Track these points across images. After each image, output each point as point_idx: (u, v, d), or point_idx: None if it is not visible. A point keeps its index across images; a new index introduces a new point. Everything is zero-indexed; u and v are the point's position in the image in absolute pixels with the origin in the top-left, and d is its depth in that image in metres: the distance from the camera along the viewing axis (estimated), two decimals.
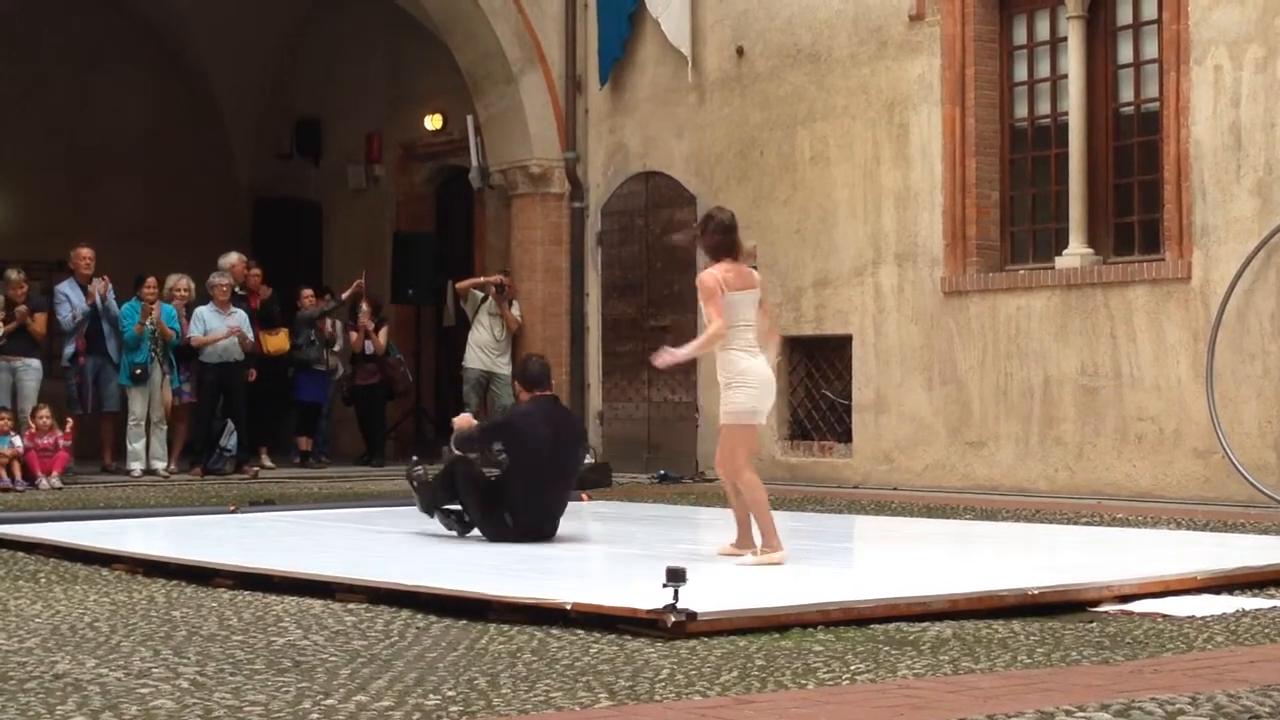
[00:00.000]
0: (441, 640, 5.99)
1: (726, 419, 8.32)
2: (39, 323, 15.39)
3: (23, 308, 15.16)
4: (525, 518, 9.21)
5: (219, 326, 16.07)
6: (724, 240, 8.35)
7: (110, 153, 20.91)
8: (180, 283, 16.34)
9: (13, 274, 15.50)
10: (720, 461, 8.45)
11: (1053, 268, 13.07)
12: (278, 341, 16.93)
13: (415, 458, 10.72)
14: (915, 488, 13.63)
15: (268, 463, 16.81)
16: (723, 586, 7.08)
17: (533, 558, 8.62)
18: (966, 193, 13.59)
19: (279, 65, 21.53)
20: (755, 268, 9.28)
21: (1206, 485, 12.03)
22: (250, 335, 16.31)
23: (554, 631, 6.15)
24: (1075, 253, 12.94)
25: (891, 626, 6.28)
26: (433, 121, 19.47)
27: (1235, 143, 11.92)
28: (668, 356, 8.54)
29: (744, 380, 8.25)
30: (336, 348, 17.83)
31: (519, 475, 9.09)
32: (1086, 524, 10.73)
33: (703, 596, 6.16)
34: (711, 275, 8.28)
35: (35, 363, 15.37)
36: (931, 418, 13.80)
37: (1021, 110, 13.70)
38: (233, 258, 16.81)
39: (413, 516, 10.33)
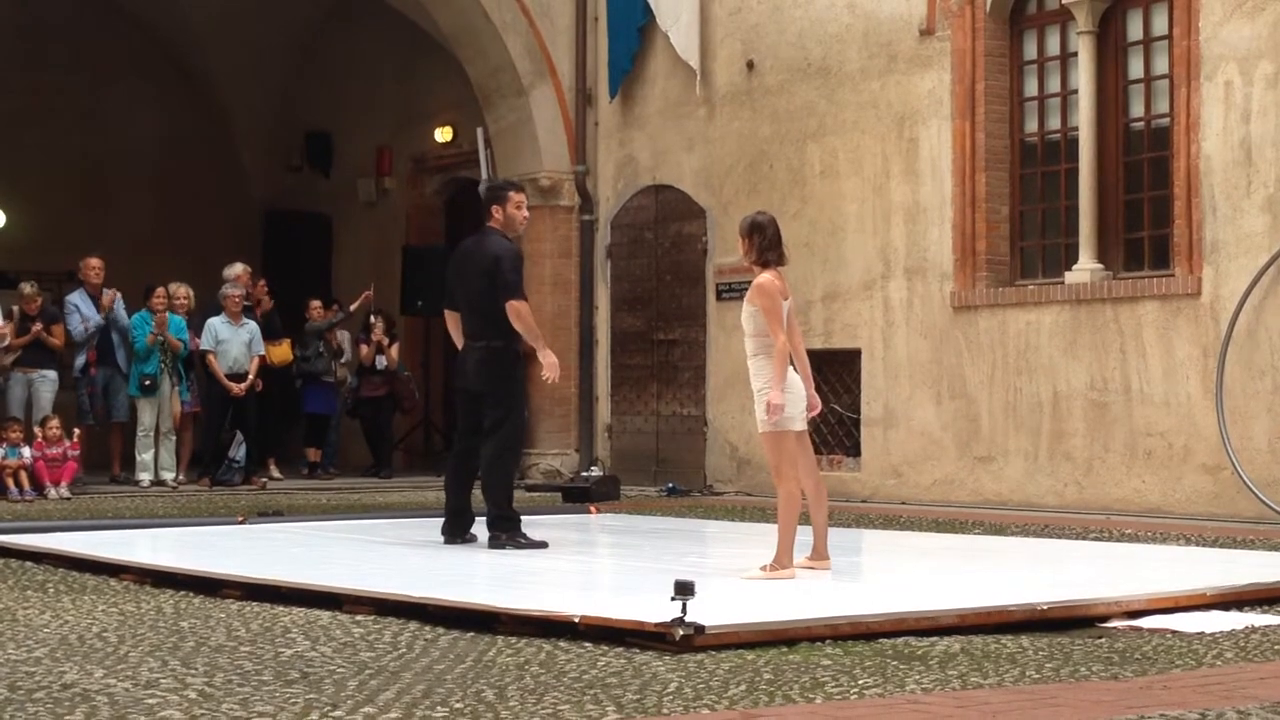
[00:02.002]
0: (449, 652, 5.99)
1: (765, 427, 8.17)
2: (57, 335, 15.43)
3: (37, 324, 15.20)
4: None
5: (231, 337, 16.11)
6: (772, 247, 8.27)
7: (121, 165, 20.95)
8: (180, 290, 16.35)
9: (26, 287, 15.54)
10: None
11: (1062, 283, 13.07)
12: (281, 352, 16.94)
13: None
14: (924, 502, 13.63)
15: (276, 474, 16.83)
16: (730, 600, 7.07)
17: (540, 570, 8.62)
18: (976, 207, 13.59)
19: (290, 78, 21.56)
20: None
21: (1216, 501, 12.01)
22: (261, 347, 16.37)
23: (562, 644, 6.14)
24: (1085, 268, 12.93)
25: (900, 641, 6.27)
26: (443, 134, 19.50)
27: (1246, 158, 11.92)
28: (775, 408, 8.07)
29: (793, 389, 8.15)
30: (344, 359, 17.85)
31: None
32: (1095, 539, 10.71)
33: (711, 610, 6.15)
34: (772, 283, 8.15)
35: (51, 374, 15.42)
36: (940, 432, 13.79)
37: (1031, 125, 13.70)
38: (237, 268, 16.83)
39: (420, 528, 10.33)
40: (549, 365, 9.67)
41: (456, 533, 9.82)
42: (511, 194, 9.94)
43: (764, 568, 8.03)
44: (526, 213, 10.06)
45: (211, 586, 7.87)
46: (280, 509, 12.81)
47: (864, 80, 14.41)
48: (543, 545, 9.49)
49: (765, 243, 8.26)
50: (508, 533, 9.53)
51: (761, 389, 8.13)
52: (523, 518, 9.77)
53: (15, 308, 15.29)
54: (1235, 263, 11.96)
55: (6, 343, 15.03)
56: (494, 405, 9.63)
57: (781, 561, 8.01)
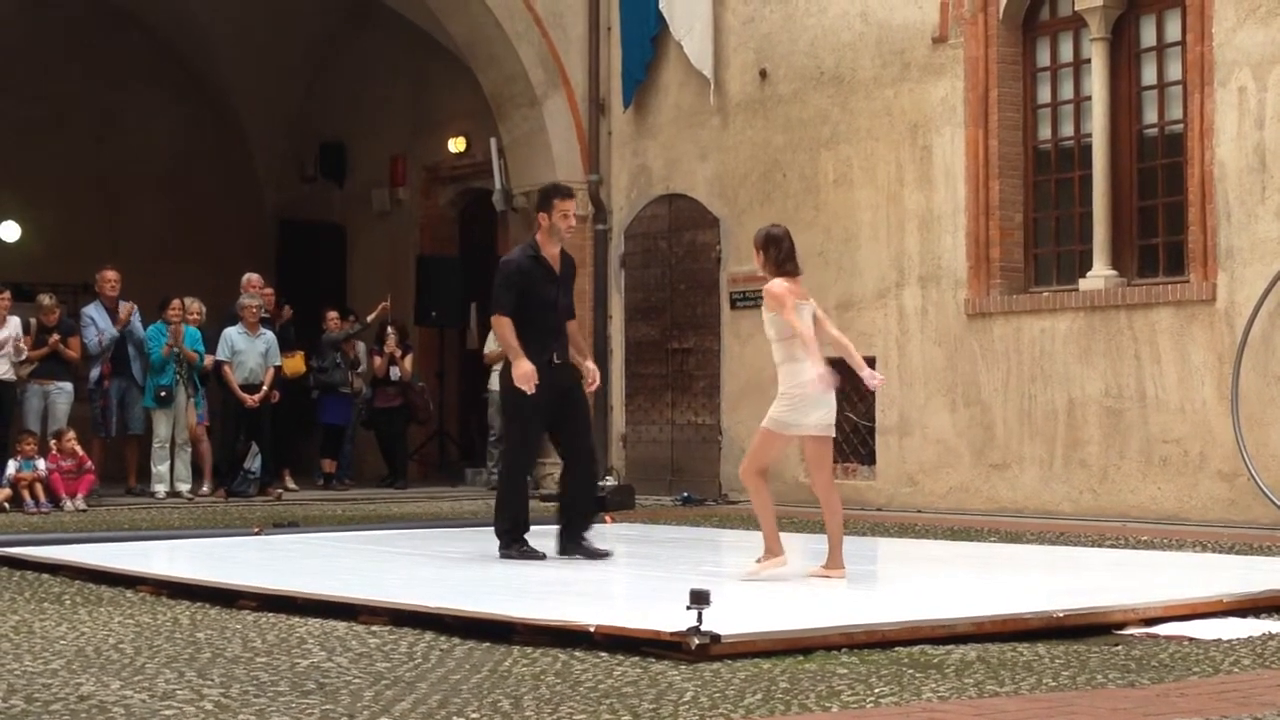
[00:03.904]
0: (465, 662, 5.99)
1: (768, 424, 8.39)
2: (73, 347, 15.45)
3: (54, 336, 15.23)
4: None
5: (247, 348, 16.14)
6: (788, 259, 8.48)
7: (136, 176, 21.01)
8: (194, 306, 16.36)
9: (44, 299, 15.57)
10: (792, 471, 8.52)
11: (1077, 290, 13.05)
12: (294, 365, 16.94)
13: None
14: (939, 510, 13.61)
15: (291, 485, 16.83)
16: (746, 609, 7.07)
17: (556, 580, 8.63)
18: (990, 215, 13.58)
19: (304, 88, 21.61)
20: None
21: (1232, 508, 11.98)
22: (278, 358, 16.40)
23: (577, 654, 6.14)
24: (1099, 275, 12.92)
25: (916, 649, 6.26)
26: (456, 144, 19.53)
27: (1260, 164, 11.90)
28: (826, 379, 8.23)
29: (801, 394, 8.27)
30: (359, 370, 17.87)
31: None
32: (1111, 547, 10.69)
33: (726, 619, 6.15)
34: (780, 284, 8.37)
35: (68, 386, 15.44)
36: (955, 440, 13.77)
37: (1045, 132, 13.69)
38: (247, 277, 16.85)
39: (436, 539, 10.34)
40: (517, 377, 9.50)
41: (568, 545, 9.63)
42: (557, 201, 9.67)
43: (758, 561, 8.27)
44: (573, 221, 9.80)
45: (227, 597, 7.88)
46: (296, 520, 12.82)
47: (877, 88, 14.40)
48: (540, 556, 9.43)
49: (781, 255, 8.48)
50: (509, 544, 9.53)
51: (789, 393, 8.27)
52: (545, 527, 9.78)
53: (33, 320, 15.33)
54: (1250, 268, 11.94)
55: (24, 356, 15.06)
56: (504, 417, 9.65)
57: (772, 550, 8.26)
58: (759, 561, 8.31)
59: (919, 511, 13.64)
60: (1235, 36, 12.03)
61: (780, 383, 8.37)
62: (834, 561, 8.38)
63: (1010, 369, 13.40)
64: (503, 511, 9.71)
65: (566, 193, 9.88)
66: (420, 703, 5.13)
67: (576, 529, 9.69)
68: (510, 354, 9.64)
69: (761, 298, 8.58)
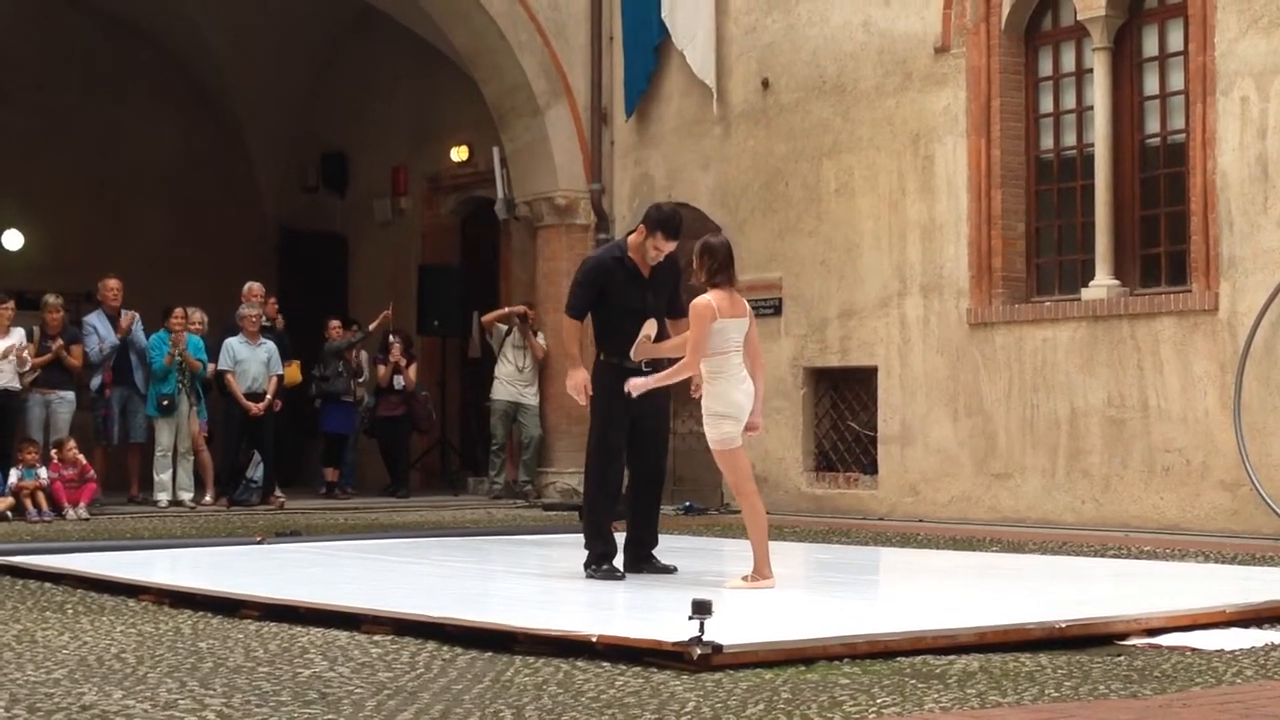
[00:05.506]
0: (467, 672, 5.98)
1: (716, 445, 8.46)
2: (75, 355, 15.45)
3: (59, 342, 15.24)
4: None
5: (249, 356, 16.15)
6: (721, 270, 8.48)
7: (138, 185, 21.04)
8: (195, 315, 16.36)
9: (50, 298, 15.57)
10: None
11: (1079, 299, 13.06)
12: (290, 373, 16.94)
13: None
14: (941, 520, 13.60)
15: (278, 494, 16.78)
16: (749, 619, 7.06)
17: (557, 589, 8.62)
18: (992, 224, 13.59)
19: (306, 98, 21.63)
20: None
21: (1234, 518, 11.98)
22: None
23: (579, 664, 6.13)
24: (1101, 284, 12.92)
25: (918, 659, 6.25)
26: (458, 154, 19.54)
27: (1262, 174, 11.90)
28: (639, 382, 8.68)
29: (737, 411, 8.37)
30: (362, 379, 17.88)
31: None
32: (1114, 556, 10.68)
33: (728, 629, 6.14)
34: (705, 302, 8.37)
35: (69, 395, 15.45)
36: (957, 449, 13.77)
37: (1047, 142, 13.70)
38: (248, 286, 16.85)
39: (438, 548, 10.31)
40: (568, 387, 9.31)
41: (632, 563, 9.22)
42: (659, 233, 9.16)
43: (745, 578, 8.30)
44: (654, 252, 9.14)
45: (230, 607, 7.87)
46: (298, 529, 12.81)
47: (879, 98, 14.42)
48: (620, 577, 8.96)
49: (715, 265, 8.48)
50: (590, 559, 9.04)
51: (723, 413, 8.37)
52: (550, 536, 9.72)
53: (35, 328, 15.34)
54: (1252, 278, 11.94)
55: (29, 365, 15.07)
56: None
57: (761, 572, 8.26)
58: (745, 579, 8.30)
59: (921, 521, 13.64)
60: (1237, 46, 12.04)
61: (715, 402, 8.36)
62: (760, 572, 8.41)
63: (1012, 378, 13.40)
64: (586, 527, 9.30)
65: (671, 233, 9.20)
66: (423, 713, 5.13)
67: (632, 546, 9.30)
68: (566, 360, 9.51)
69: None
